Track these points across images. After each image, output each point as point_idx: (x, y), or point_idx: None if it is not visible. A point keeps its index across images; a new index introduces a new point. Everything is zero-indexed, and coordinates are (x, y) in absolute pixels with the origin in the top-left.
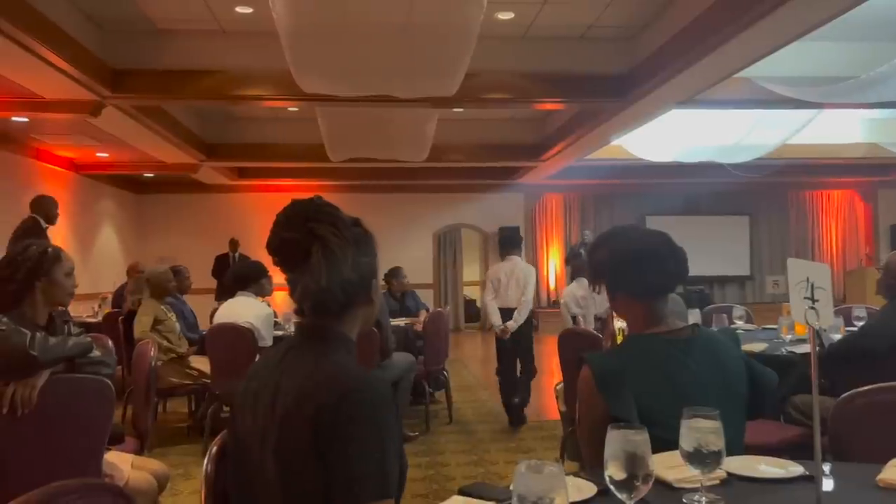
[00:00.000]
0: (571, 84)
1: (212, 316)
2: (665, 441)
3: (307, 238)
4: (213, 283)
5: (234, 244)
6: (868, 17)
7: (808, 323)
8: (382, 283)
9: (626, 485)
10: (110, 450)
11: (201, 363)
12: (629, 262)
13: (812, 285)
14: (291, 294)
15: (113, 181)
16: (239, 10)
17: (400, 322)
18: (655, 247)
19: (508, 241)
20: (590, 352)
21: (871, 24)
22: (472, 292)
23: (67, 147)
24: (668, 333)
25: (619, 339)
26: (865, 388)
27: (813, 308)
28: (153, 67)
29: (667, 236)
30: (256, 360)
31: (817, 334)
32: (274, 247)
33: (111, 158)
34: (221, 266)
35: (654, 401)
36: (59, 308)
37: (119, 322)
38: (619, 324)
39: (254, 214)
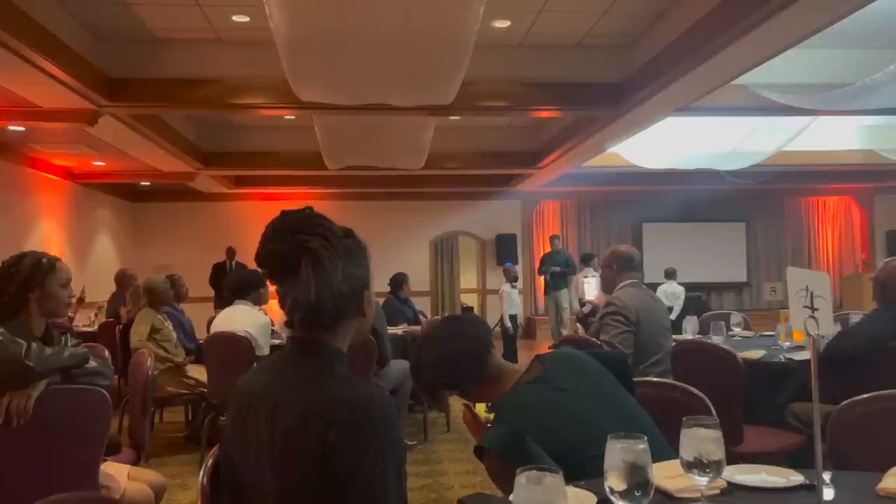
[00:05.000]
0: (567, 92)
1: (209, 325)
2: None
3: (296, 250)
4: (209, 292)
5: (230, 253)
6: (862, 24)
7: (807, 332)
8: (389, 291)
9: (627, 495)
10: (106, 460)
11: (198, 372)
12: (452, 358)
13: (811, 294)
14: (282, 306)
15: (110, 190)
16: (236, 18)
17: (398, 331)
18: (449, 331)
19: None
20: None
21: (865, 32)
22: (469, 300)
23: (64, 156)
24: (527, 375)
25: (482, 409)
26: (864, 395)
27: (812, 317)
28: (150, 76)
29: (447, 318)
30: (245, 374)
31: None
32: (262, 259)
33: (108, 167)
34: (219, 275)
35: (565, 439)
36: (61, 319)
37: (116, 331)
38: None
39: (251, 223)
